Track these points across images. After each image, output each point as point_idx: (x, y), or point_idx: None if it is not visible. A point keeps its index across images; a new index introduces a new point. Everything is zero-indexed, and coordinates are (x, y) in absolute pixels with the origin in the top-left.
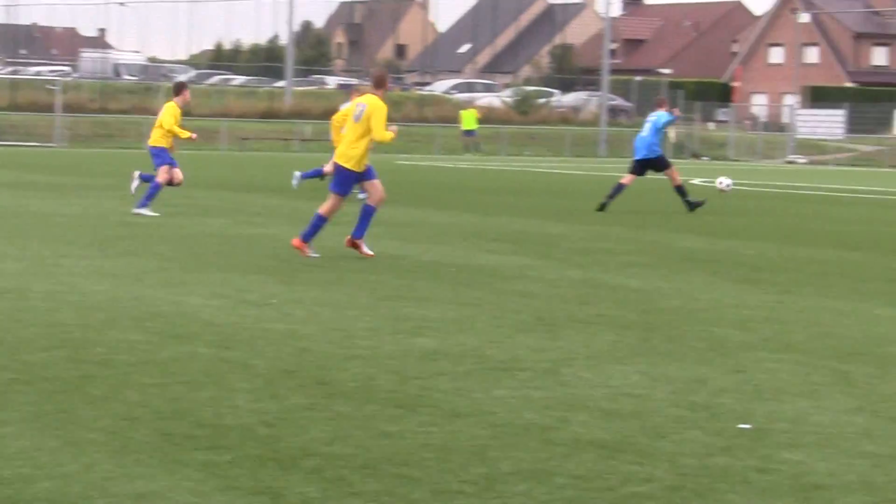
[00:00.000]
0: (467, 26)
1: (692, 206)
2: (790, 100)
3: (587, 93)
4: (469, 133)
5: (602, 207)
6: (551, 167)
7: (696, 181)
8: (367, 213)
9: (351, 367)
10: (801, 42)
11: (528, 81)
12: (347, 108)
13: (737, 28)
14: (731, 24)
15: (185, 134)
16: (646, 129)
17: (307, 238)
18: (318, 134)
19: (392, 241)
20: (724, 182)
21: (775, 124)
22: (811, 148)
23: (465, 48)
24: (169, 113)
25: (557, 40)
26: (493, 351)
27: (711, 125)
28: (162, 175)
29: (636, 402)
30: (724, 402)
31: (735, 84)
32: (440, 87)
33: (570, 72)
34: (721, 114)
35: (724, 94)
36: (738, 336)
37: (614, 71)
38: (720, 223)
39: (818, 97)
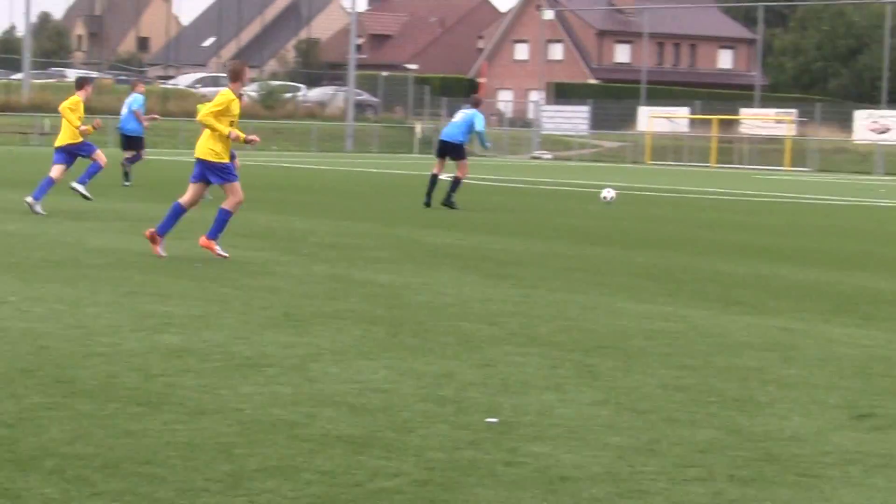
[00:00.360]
0: (212, 20)
1: (450, 203)
2: (535, 96)
3: (334, 88)
4: None
5: (427, 203)
6: (298, 162)
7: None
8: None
9: (92, 364)
10: (546, 39)
11: (274, 76)
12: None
13: (482, 24)
14: (476, 21)
15: (83, 129)
16: (458, 118)
17: (214, 235)
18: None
19: (135, 236)
20: (608, 195)
21: (521, 120)
22: (556, 144)
23: (209, 42)
24: (78, 106)
25: (303, 35)
26: (240, 347)
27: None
28: (101, 157)
29: (384, 397)
30: (472, 396)
31: (481, 80)
32: (184, 80)
33: (317, 66)
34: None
35: (470, 90)
36: (486, 330)
37: (361, 66)
38: (467, 219)
39: (562, 93)
